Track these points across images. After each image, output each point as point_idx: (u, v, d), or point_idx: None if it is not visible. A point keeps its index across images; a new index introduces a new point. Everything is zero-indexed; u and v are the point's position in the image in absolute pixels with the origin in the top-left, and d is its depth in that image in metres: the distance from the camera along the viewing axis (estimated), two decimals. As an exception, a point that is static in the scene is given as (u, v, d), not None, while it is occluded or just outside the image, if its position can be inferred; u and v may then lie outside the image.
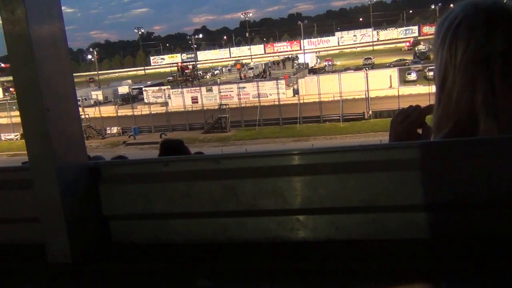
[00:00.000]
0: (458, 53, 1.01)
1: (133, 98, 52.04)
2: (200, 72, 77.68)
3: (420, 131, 1.22)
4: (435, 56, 1.10)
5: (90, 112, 43.15)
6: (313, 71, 59.61)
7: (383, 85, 39.13)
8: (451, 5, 1.11)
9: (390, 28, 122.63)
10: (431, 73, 33.85)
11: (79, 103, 1.61)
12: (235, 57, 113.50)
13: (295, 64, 63.93)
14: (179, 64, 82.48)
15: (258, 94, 42.45)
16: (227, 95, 44.11)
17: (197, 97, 44.68)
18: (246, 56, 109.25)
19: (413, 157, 0.87)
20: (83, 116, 38.26)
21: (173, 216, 1.03)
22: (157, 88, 53.09)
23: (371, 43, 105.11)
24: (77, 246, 0.99)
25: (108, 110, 46.09)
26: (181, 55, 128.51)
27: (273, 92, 42.19)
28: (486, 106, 0.98)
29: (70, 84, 1.04)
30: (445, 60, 1.04)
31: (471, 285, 0.76)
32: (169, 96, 46.51)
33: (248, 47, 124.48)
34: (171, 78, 71.65)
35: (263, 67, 64.01)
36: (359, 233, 0.91)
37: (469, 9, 1.03)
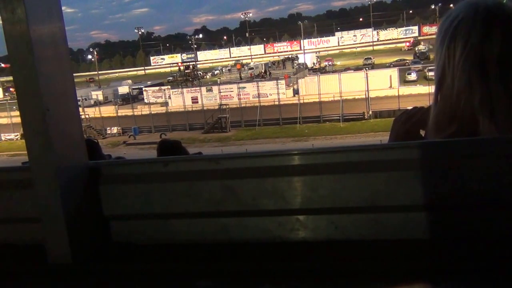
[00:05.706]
0: (456, 54, 1.01)
1: (133, 98, 52.00)
2: (200, 72, 77.69)
3: (423, 133, 1.22)
4: (435, 56, 1.10)
5: (90, 112, 43.14)
6: (313, 71, 59.66)
7: (383, 85, 39.14)
8: (451, 5, 1.11)
9: (390, 28, 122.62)
10: (431, 73, 33.80)
11: (79, 103, 1.61)
12: (235, 57, 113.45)
13: (295, 64, 63.96)
14: (180, 64, 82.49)
15: (258, 94, 42.42)
16: (227, 95, 44.09)
17: (197, 97, 44.67)
18: (246, 56, 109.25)
19: (413, 157, 0.87)
20: (83, 116, 38.25)
21: (173, 216, 1.03)
22: (157, 88, 53.07)
23: (371, 43, 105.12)
24: (77, 246, 0.99)
25: (108, 110, 46.06)
26: (181, 55, 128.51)
27: (273, 92, 42.16)
28: (482, 107, 0.98)
29: (70, 84, 1.04)
30: (444, 61, 1.04)
31: (471, 285, 0.76)
32: (169, 96, 46.51)
33: (248, 47, 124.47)
34: (171, 78, 71.65)
35: (263, 67, 64.03)
36: (359, 233, 0.91)
37: (468, 9, 1.02)
